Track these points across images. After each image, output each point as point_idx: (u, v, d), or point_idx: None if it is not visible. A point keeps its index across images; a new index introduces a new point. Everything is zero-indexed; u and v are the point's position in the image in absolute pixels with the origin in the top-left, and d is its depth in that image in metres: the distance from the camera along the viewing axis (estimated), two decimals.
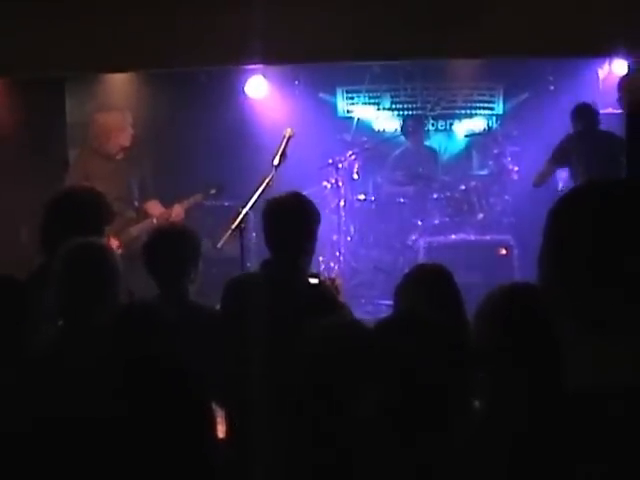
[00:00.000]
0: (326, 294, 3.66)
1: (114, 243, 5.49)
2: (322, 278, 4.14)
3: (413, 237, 7.79)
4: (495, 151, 8.01)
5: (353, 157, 7.86)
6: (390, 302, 3.35)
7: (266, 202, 3.91)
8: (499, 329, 2.41)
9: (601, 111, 6.93)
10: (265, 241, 3.75)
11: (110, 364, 2.08)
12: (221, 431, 3.43)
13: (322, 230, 3.93)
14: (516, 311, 2.44)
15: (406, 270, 3.50)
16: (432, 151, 8.53)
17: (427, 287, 3.19)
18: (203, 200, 6.35)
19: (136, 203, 6.19)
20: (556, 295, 1.35)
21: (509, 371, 2.34)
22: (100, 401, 1.85)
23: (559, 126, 7.17)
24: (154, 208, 6.24)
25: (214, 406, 3.37)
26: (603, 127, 6.65)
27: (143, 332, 2.70)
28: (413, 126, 8.34)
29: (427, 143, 8.55)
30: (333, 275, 4.70)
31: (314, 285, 3.78)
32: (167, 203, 6.26)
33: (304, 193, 3.93)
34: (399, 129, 8.50)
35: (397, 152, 8.44)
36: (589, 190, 1.38)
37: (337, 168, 7.72)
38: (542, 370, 2.31)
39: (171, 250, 3.76)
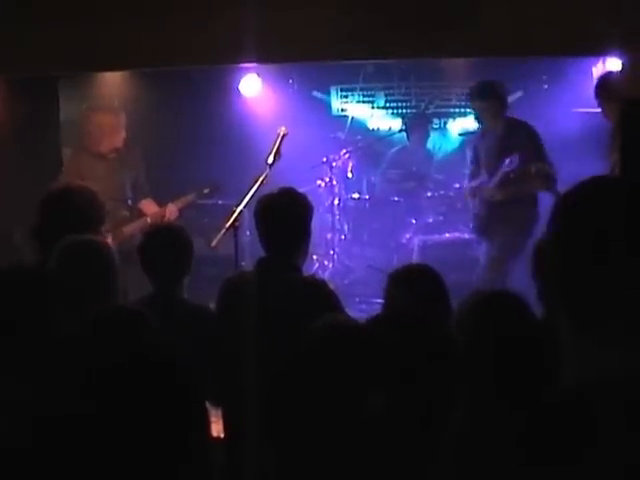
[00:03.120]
0: (322, 292, 3.65)
1: (109, 242, 5.48)
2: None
3: (407, 236, 7.80)
4: None
5: (347, 156, 7.86)
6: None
7: (258, 200, 3.91)
8: (473, 335, 2.43)
9: (594, 110, 6.93)
10: (259, 239, 3.74)
11: (98, 364, 2.08)
12: (216, 430, 3.43)
13: (316, 229, 3.93)
14: (487, 318, 2.47)
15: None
16: (426, 150, 8.52)
17: (414, 287, 3.19)
18: (197, 199, 6.33)
19: (130, 202, 6.18)
20: (554, 292, 1.36)
21: (486, 375, 2.35)
22: (90, 400, 1.85)
23: (553, 125, 7.17)
24: (148, 207, 6.23)
25: (209, 405, 3.37)
26: (596, 127, 6.60)
27: (123, 337, 2.68)
28: (417, 125, 8.32)
29: (426, 143, 8.55)
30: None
31: (310, 283, 3.77)
32: (161, 202, 6.25)
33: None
34: (400, 127, 8.48)
35: (393, 150, 8.44)
36: (591, 188, 1.38)
37: (331, 167, 7.73)
38: (524, 372, 2.33)
39: (165, 250, 3.76)
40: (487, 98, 6.28)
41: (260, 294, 3.47)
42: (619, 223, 1.29)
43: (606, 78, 5.71)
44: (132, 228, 5.95)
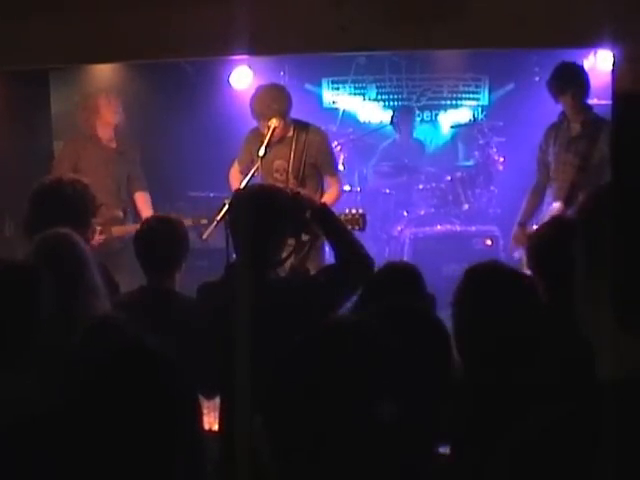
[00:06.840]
0: (295, 296, 3.37)
1: (99, 236, 5.44)
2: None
3: (399, 228, 7.80)
4: (481, 142, 8.02)
5: (339, 148, 7.84)
6: None
7: (233, 194, 3.78)
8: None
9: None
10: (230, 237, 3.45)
11: (82, 362, 2.06)
12: (207, 422, 3.43)
13: None
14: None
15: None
16: (418, 142, 8.53)
17: (396, 286, 3.16)
18: (192, 224, 6.03)
19: (123, 198, 6.15)
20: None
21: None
22: (76, 396, 1.84)
23: (545, 117, 7.17)
24: (141, 199, 6.21)
25: (200, 398, 3.36)
26: None
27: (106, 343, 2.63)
28: (404, 118, 8.32)
29: (414, 135, 8.55)
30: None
31: (283, 286, 3.51)
32: (153, 197, 6.25)
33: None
34: (389, 120, 8.46)
35: (385, 144, 8.44)
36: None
37: None
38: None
39: (159, 242, 3.75)
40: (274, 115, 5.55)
41: (232, 300, 3.21)
42: None
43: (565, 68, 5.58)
44: (121, 231, 5.83)
